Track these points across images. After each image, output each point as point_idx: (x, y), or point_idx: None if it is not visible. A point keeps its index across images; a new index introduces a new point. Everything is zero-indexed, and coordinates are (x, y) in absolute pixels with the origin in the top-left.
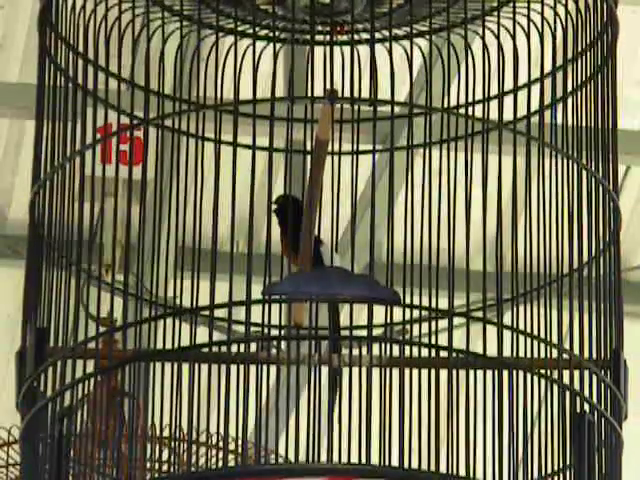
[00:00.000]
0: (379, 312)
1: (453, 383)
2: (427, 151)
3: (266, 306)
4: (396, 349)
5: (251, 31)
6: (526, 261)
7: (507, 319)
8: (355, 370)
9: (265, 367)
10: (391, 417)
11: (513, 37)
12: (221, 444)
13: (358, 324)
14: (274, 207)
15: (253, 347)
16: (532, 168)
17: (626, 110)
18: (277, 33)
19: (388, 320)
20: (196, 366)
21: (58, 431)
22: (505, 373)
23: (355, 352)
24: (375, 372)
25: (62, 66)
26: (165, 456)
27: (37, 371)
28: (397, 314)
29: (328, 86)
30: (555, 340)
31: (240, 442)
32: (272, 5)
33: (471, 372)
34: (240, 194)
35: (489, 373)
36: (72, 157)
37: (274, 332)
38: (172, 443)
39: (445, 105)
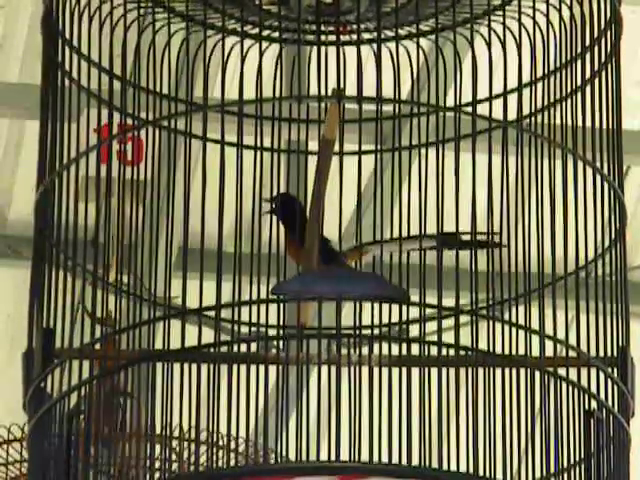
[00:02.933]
0: (385, 310)
1: (460, 381)
2: (426, 150)
3: (273, 305)
4: (402, 347)
5: (255, 32)
6: (532, 259)
7: (514, 317)
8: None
9: (273, 367)
10: (398, 414)
11: (518, 36)
12: (229, 444)
13: (364, 322)
14: (265, 210)
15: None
16: (537, 166)
17: (626, 110)
18: (281, 33)
19: (395, 318)
20: (202, 366)
21: (66, 432)
22: (513, 371)
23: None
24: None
25: (65, 67)
26: (166, 456)
27: (44, 372)
28: (403, 312)
29: (334, 86)
30: (562, 338)
31: (249, 442)
32: (277, 5)
33: (477, 370)
34: (244, 194)
35: (496, 371)
36: (77, 158)
37: (279, 332)
38: (178, 443)
39: (449, 104)
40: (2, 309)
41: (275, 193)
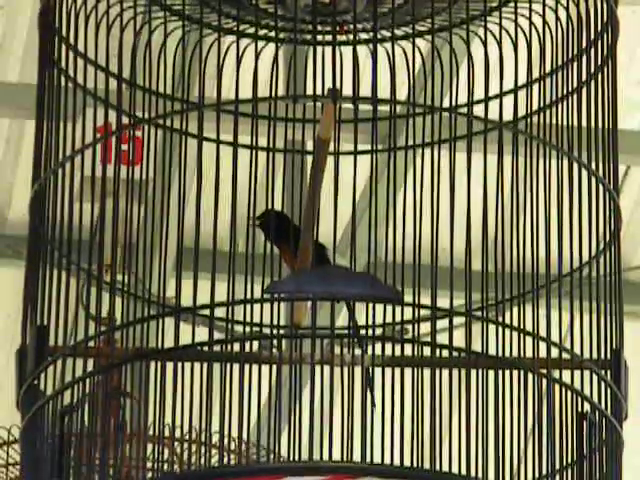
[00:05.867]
0: (379, 311)
1: (454, 382)
2: (422, 151)
3: (267, 305)
4: (396, 348)
5: (251, 31)
6: (526, 261)
7: (507, 319)
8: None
9: (267, 366)
10: (392, 416)
11: (514, 37)
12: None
13: (358, 323)
14: (257, 222)
15: (253, 346)
16: (532, 167)
17: (626, 110)
18: (278, 33)
19: (389, 319)
20: (196, 365)
21: (59, 430)
22: (506, 373)
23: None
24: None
25: (62, 65)
26: (162, 456)
27: (37, 370)
28: (398, 313)
29: (330, 85)
30: (556, 340)
31: (242, 441)
32: (274, 5)
33: (471, 371)
34: (240, 194)
35: (490, 372)
36: (72, 156)
37: (272, 331)
38: (171, 442)
39: (445, 105)
40: (2, 309)
41: (274, 193)
